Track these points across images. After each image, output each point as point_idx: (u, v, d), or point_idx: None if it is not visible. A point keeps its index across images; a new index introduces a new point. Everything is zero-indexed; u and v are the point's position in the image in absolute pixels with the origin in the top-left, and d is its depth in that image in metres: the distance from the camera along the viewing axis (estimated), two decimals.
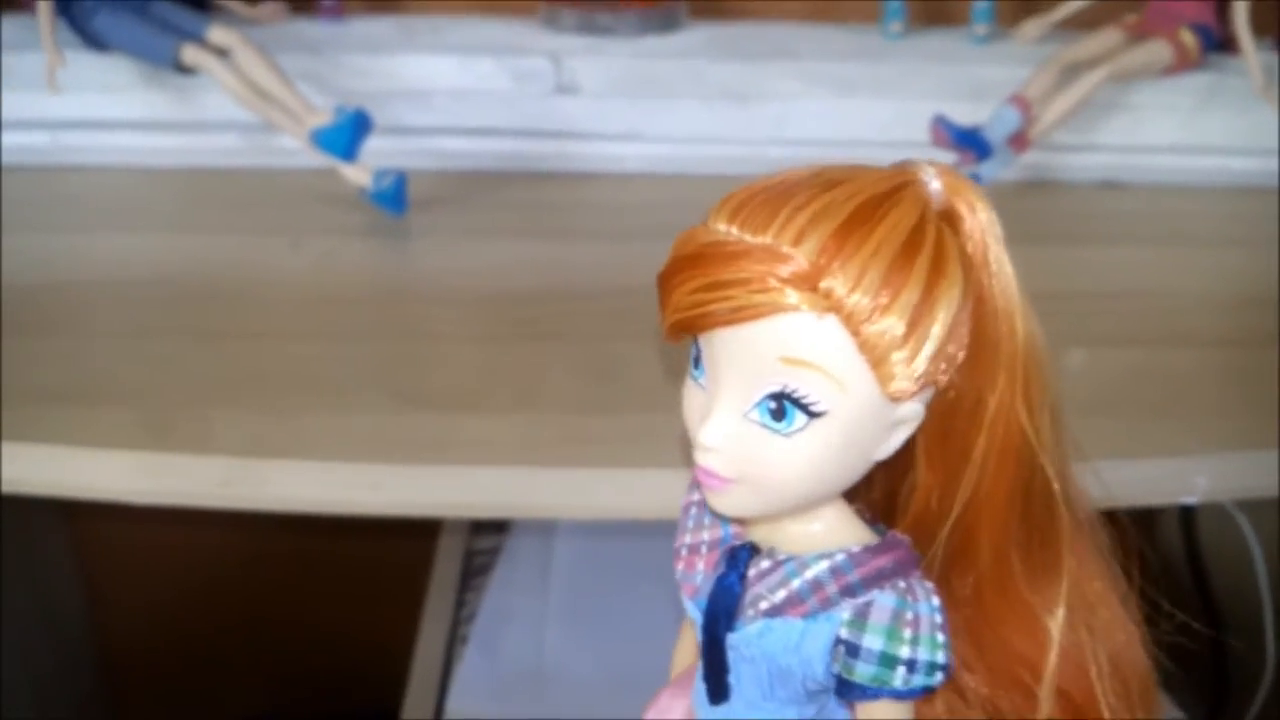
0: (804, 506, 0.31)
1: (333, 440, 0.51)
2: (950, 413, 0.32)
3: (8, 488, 0.51)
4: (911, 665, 0.30)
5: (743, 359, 0.29)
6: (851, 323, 0.28)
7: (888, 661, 0.30)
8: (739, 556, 0.32)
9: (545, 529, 0.86)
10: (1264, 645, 0.78)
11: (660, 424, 0.51)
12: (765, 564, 0.32)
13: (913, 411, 0.31)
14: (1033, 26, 0.82)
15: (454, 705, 0.73)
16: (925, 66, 0.80)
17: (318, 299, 0.64)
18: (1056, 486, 0.33)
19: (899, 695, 0.31)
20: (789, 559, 0.32)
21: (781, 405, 0.29)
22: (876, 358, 0.28)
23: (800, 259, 0.28)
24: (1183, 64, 0.78)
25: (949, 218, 0.31)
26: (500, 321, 0.61)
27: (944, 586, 0.33)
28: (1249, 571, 0.78)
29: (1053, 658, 0.33)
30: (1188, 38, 0.77)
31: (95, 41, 0.77)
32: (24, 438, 0.51)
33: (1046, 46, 0.80)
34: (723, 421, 0.30)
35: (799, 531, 0.32)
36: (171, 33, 0.75)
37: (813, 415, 0.29)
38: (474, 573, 0.86)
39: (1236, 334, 0.63)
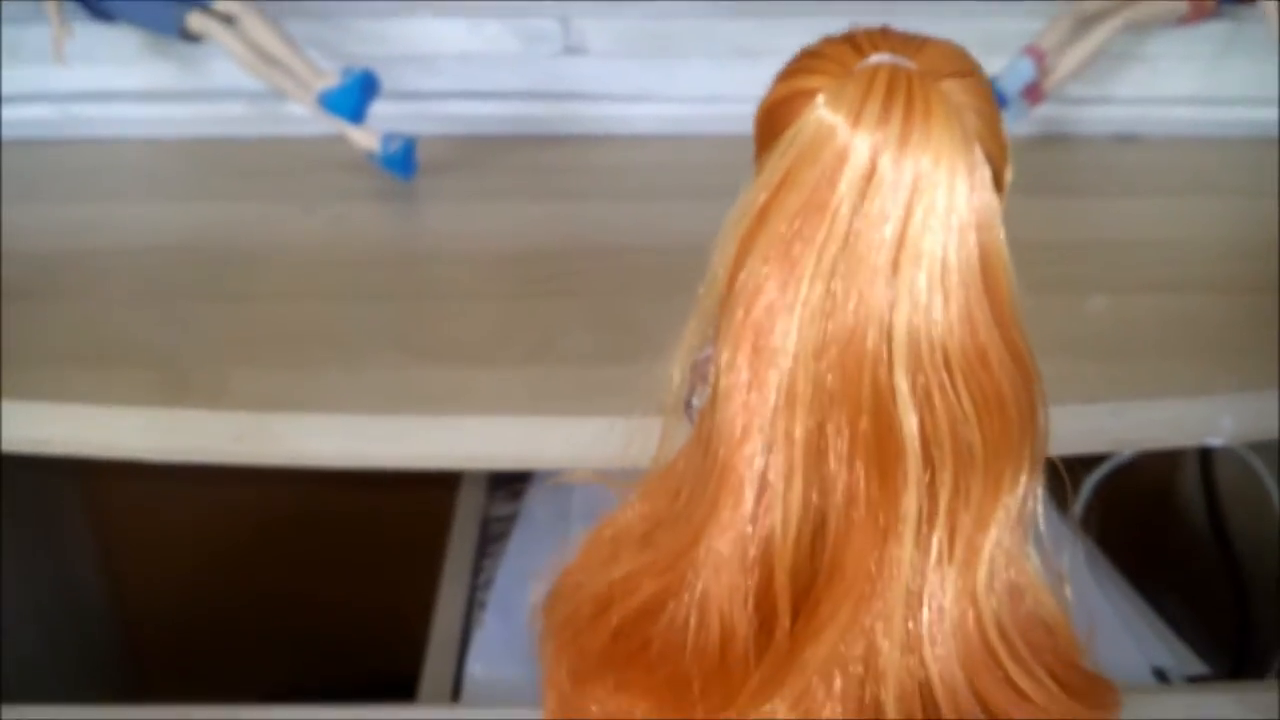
0: None
1: (348, 395, 0.51)
2: None
3: (25, 448, 0.51)
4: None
5: None
6: None
7: None
8: None
9: (561, 495, 0.85)
10: None
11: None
12: None
13: None
14: None
15: (473, 669, 0.73)
16: (938, 19, 0.78)
17: (330, 261, 0.64)
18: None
19: None
20: None
21: None
22: None
23: None
24: (1199, 13, 0.76)
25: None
26: (512, 280, 0.61)
27: None
28: (1270, 523, 0.78)
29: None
30: None
31: (100, 12, 0.77)
32: (41, 399, 0.51)
33: None
34: None
35: None
36: (176, 0, 0.75)
37: None
38: (490, 539, 0.86)
39: (1259, 280, 0.62)
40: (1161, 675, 0.69)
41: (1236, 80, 0.78)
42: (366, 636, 0.90)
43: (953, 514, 0.28)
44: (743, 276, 0.28)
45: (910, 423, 0.27)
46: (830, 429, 0.28)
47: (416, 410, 0.50)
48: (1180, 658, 0.71)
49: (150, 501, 0.87)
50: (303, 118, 0.75)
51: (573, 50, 0.78)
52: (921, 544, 0.28)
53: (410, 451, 0.49)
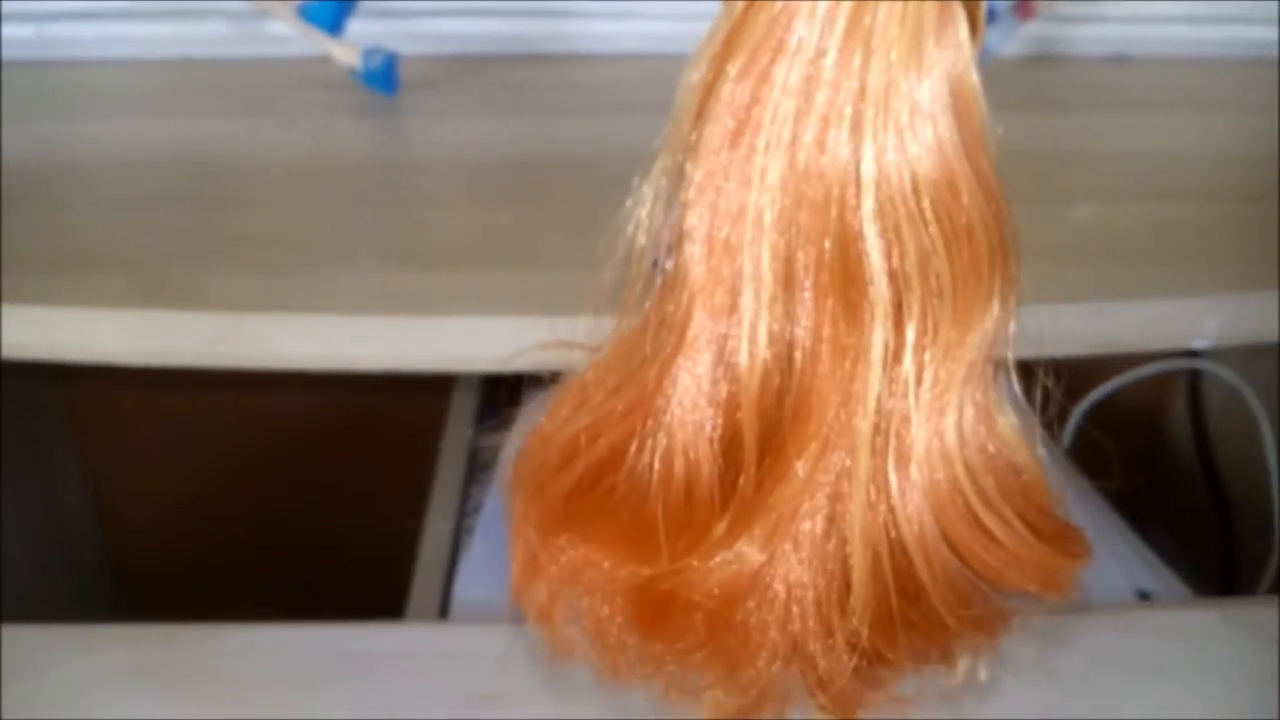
0: None
1: (328, 297, 0.50)
2: None
3: (5, 353, 0.50)
4: None
5: None
6: None
7: None
8: None
9: None
10: (1272, 524, 0.77)
11: None
12: None
13: None
14: None
15: (460, 591, 0.73)
16: None
17: (310, 172, 0.63)
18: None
19: None
20: None
21: None
22: None
23: None
24: None
25: None
26: (494, 189, 0.61)
27: None
28: (1258, 454, 0.78)
29: None
30: None
31: None
32: (16, 303, 0.50)
33: None
34: None
35: None
36: None
37: None
38: (479, 469, 0.86)
39: (1249, 190, 0.61)
40: (1146, 599, 0.69)
41: None
42: (353, 560, 0.90)
43: (920, 350, 0.27)
44: (708, 112, 0.27)
45: (876, 252, 0.27)
46: (799, 262, 0.27)
47: (398, 312, 0.49)
48: (1166, 582, 0.71)
49: (136, 423, 0.87)
50: (285, 37, 0.74)
51: None
52: (887, 382, 0.28)
53: (392, 353, 0.49)
